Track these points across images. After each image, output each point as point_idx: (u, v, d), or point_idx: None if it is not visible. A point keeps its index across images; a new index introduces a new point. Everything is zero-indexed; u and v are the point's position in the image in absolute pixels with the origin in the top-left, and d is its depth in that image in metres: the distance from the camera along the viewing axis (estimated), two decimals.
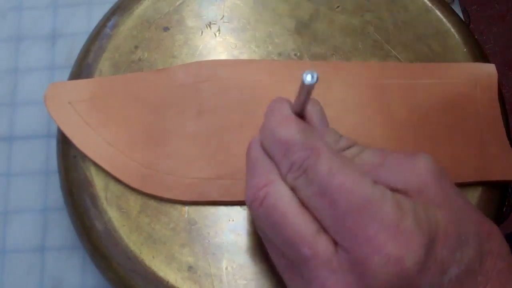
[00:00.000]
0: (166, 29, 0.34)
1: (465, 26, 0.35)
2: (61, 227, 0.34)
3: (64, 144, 0.31)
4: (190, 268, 0.29)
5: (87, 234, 0.30)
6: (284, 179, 0.23)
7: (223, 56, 0.33)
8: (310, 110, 0.25)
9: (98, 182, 0.30)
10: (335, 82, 0.32)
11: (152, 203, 0.30)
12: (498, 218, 0.31)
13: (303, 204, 0.22)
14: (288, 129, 0.23)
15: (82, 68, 0.33)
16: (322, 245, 0.21)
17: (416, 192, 0.22)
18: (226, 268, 0.29)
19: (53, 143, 0.33)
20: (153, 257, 0.29)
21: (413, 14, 0.35)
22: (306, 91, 0.22)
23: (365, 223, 0.20)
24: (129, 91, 0.32)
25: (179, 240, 0.29)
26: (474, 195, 0.31)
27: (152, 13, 0.34)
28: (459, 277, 0.21)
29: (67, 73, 0.34)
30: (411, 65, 0.33)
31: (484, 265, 0.22)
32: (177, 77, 0.32)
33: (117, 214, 0.30)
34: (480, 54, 0.34)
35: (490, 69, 0.33)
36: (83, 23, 0.39)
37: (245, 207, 0.30)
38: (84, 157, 0.31)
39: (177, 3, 0.35)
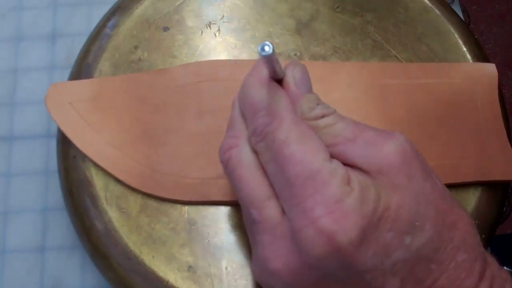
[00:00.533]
0: (166, 29, 0.34)
1: (465, 26, 0.35)
2: (61, 227, 0.34)
3: (64, 144, 0.31)
4: (190, 268, 0.29)
5: (87, 234, 0.30)
6: (249, 141, 0.23)
7: (223, 56, 0.33)
8: (289, 74, 0.24)
9: (98, 182, 0.30)
10: (335, 82, 0.32)
11: (152, 203, 0.30)
12: (498, 218, 0.31)
13: (263, 168, 0.23)
14: (258, 92, 0.23)
15: (82, 68, 0.33)
16: (270, 211, 0.22)
17: (376, 172, 0.22)
18: (226, 268, 0.29)
19: (53, 143, 0.33)
20: (153, 257, 0.29)
21: (413, 14, 0.35)
22: (266, 62, 0.22)
23: (307, 195, 0.21)
24: (129, 91, 0.32)
25: (179, 240, 0.29)
26: (474, 195, 0.31)
27: (152, 13, 0.34)
28: (408, 262, 0.21)
29: (67, 73, 0.34)
30: (411, 65, 0.33)
31: (441, 254, 0.22)
32: (177, 77, 0.32)
33: (117, 214, 0.30)
34: (480, 54, 0.34)
35: (490, 68, 0.33)
36: (83, 23, 0.39)
37: None
38: (84, 157, 0.31)
39: (177, 3, 0.35)
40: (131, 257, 0.29)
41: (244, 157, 0.23)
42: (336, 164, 0.22)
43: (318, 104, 0.24)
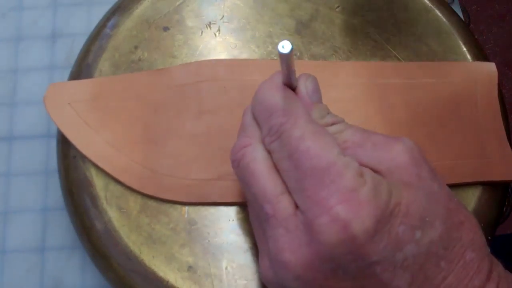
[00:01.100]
0: (166, 29, 0.34)
1: (465, 26, 0.35)
2: (61, 227, 0.34)
3: (64, 144, 0.31)
4: (190, 268, 0.29)
5: (87, 234, 0.30)
6: (263, 142, 0.24)
7: (223, 56, 0.33)
8: (302, 84, 0.25)
9: (98, 182, 0.30)
10: (335, 82, 0.32)
11: (152, 203, 0.30)
12: (498, 218, 0.31)
13: (276, 167, 0.23)
14: (273, 95, 0.24)
15: (82, 68, 0.33)
16: (283, 205, 0.23)
17: (386, 171, 0.23)
18: (226, 268, 0.29)
19: (53, 143, 0.33)
20: (153, 257, 0.29)
21: (413, 14, 0.35)
22: (284, 61, 0.23)
23: (322, 186, 0.21)
24: (129, 91, 0.32)
25: (179, 240, 0.29)
26: (474, 195, 0.31)
27: (152, 13, 0.34)
28: (418, 258, 0.21)
29: (67, 73, 0.34)
30: (411, 65, 0.33)
31: (450, 252, 0.22)
32: (177, 77, 0.32)
33: (117, 214, 0.30)
34: (480, 54, 0.34)
35: (490, 68, 0.33)
36: (83, 23, 0.39)
37: (245, 207, 0.30)
38: (84, 157, 0.31)
39: (177, 3, 0.35)
40: (131, 257, 0.29)
41: (258, 154, 0.24)
42: (349, 157, 0.22)
43: (328, 113, 0.25)
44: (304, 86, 0.25)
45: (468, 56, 0.34)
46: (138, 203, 0.30)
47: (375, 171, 0.23)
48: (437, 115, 0.32)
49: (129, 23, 0.34)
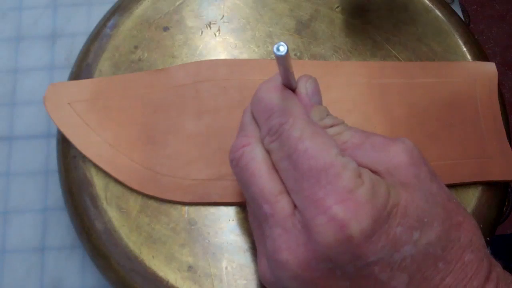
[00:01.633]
0: (166, 29, 0.34)
1: (465, 26, 0.35)
2: (61, 227, 0.34)
3: (64, 144, 0.31)
4: (190, 268, 0.29)
5: (87, 234, 0.30)
6: (262, 142, 0.24)
7: (223, 56, 0.33)
8: (303, 85, 0.26)
9: (98, 182, 0.30)
10: (335, 82, 0.32)
11: (152, 203, 0.30)
12: (498, 218, 0.31)
13: (275, 167, 0.24)
14: (272, 96, 0.24)
15: (82, 68, 0.33)
16: (282, 205, 0.23)
17: (385, 172, 0.23)
18: (226, 268, 0.29)
19: (53, 143, 0.33)
20: (153, 257, 0.29)
21: (413, 14, 0.35)
22: (280, 62, 0.23)
23: (320, 186, 0.21)
24: (129, 91, 0.32)
25: (179, 240, 0.29)
26: (474, 195, 0.31)
27: (152, 13, 0.34)
28: (416, 259, 0.21)
29: (67, 73, 0.34)
30: (411, 65, 0.33)
31: (448, 253, 0.22)
32: (177, 77, 0.32)
33: (117, 214, 0.30)
34: (480, 54, 0.34)
35: (490, 68, 0.33)
36: (83, 23, 0.39)
37: (245, 207, 0.30)
38: (84, 157, 0.31)
39: (177, 3, 0.35)
40: (131, 257, 0.29)
41: (257, 154, 0.24)
42: (348, 158, 0.22)
43: (327, 115, 0.25)
44: (304, 88, 0.25)
45: (468, 56, 0.34)
46: (138, 203, 0.30)
47: (374, 171, 0.23)
48: (437, 115, 0.32)
49: (129, 23, 0.34)
